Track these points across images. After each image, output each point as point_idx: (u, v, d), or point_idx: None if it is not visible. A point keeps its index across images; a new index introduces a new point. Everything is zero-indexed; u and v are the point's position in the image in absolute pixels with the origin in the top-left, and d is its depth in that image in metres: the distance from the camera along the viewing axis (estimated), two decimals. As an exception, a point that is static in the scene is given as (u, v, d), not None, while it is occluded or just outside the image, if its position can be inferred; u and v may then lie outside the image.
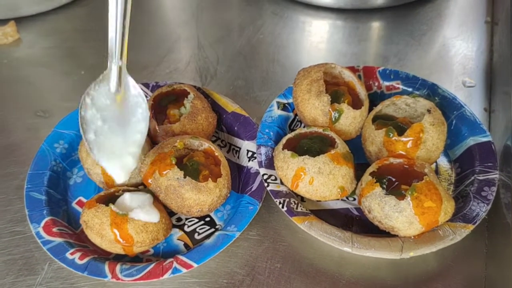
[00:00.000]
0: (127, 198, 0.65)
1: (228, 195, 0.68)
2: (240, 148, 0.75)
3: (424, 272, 0.64)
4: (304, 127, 0.74)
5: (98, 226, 0.61)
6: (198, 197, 0.64)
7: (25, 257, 0.67)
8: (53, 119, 0.82)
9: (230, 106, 0.78)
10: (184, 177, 0.64)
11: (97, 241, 0.63)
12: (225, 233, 0.64)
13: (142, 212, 0.62)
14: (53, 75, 0.94)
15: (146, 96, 0.78)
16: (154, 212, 0.64)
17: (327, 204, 0.70)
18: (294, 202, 0.66)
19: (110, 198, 0.65)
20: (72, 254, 0.62)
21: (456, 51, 0.95)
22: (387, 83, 0.80)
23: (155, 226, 0.63)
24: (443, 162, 0.74)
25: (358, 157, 0.72)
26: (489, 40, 0.97)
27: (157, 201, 0.66)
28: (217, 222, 0.69)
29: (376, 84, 0.81)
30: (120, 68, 0.63)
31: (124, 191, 0.67)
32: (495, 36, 0.97)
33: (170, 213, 0.68)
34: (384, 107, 0.73)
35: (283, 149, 0.68)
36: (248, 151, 0.73)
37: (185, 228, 0.69)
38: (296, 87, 0.74)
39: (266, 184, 0.67)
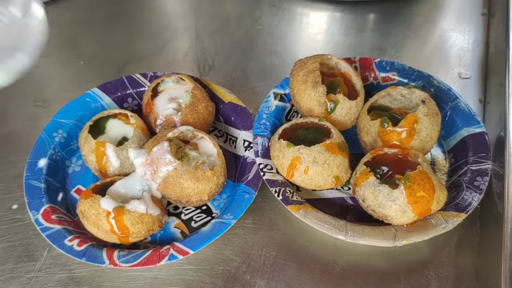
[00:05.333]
0: (120, 186, 0.66)
1: (225, 183, 0.69)
2: (236, 138, 0.76)
3: (416, 260, 0.65)
4: (300, 117, 0.75)
5: (94, 217, 0.62)
6: (197, 185, 0.65)
7: (24, 243, 0.68)
8: (52, 108, 0.82)
9: (227, 96, 0.79)
10: (182, 167, 0.64)
11: (93, 231, 0.64)
12: (221, 221, 0.65)
13: (138, 203, 0.63)
14: (52, 65, 0.95)
15: (144, 86, 0.80)
16: (150, 203, 0.64)
17: (322, 194, 0.71)
18: (290, 191, 0.67)
19: (105, 188, 0.66)
20: (70, 240, 0.63)
21: (452, 43, 0.96)
22: (383, 75, 0.81)
23: (151, 217, 0.64)
24: (437, 153, 0.75)
25: (353, 147, 0.73)
26: (485, 32, 0.98)
27: (153, 192, 0.67)
28: (214, 211, 0.70)
29: (372, 75, 0.81)
30: None
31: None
32: (491, 29, 0.97)
33: (167, 201, 0.69)
34: (379, 98, 0.73)
35: (279, 139, 0.69)
36: (244, 141, 0.74)
37: (182, 216, 0.69)
38: (293, 78, 0.75)
39: (262, 173, 0.68)
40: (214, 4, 1.09)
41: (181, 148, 0.69)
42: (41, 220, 0.65)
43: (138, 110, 0.79)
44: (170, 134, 0.68)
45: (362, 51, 0.96)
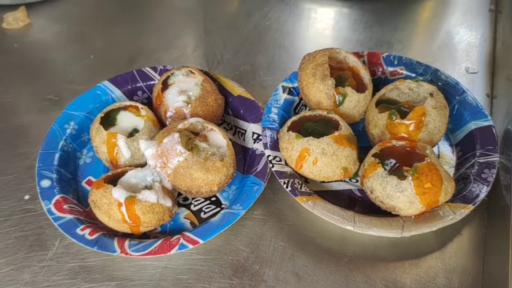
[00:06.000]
0: (131, 176, 0.67)
1: (234, 174, 0.70)
2: (245, 131, 0.77)
3: (424, 251, 0.66)
4: (308, 110, 0.75)
5: (106, 206, 0.63)
6: (207, 176, 0.65)
7: (36, 233, 0.68)
8: (63, 101, 0.83)
9: (236, 89, 0.80)
10: (192, 158, 0.65)
11: (105, 220, 0.65)
12: (231, 211, 0.66)
13: (149, 193, 0.64)
14: (63, 59, 0.96)
15: (154, 80, 0.81)
16: (161, 194, 0.65)
17: (330, 186, 0.72)
18: (298, 182, 0.68)
19: (117, 178, 0.67)
20: (82, 230, 0.64)
21: (460, 38, 0.96)
22: (391, 69, 0.81)
23: (162, 207, 0.65)
24: (445, 146, 0.75)
25: (362, 140, 0.73)
26: (493, 27, 0.98)
27: (164, 183, 0.68)
28: (223, 202, 0.71)
29: (380, 69, 0.82)
30: None
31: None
32: (499, 24, 0.98)
33: (177, 193, 0.70)
34: (387, 91, 0.74)
35: (288, 131, 0.69)
36: (253, 133, 0.75)
37: (192, 207, 0.70)
38: (301, 71, 0.75)
39: (271, 165, 0.69)
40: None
41: (191, 139, 0.70)
42: (53, 210, 0.66)
43: (148, 103, 0.80)
44: (180, 126, 0.68)
45: (370, 46, 0.96)
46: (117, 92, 0.80)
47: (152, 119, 0.73)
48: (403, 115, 0.69)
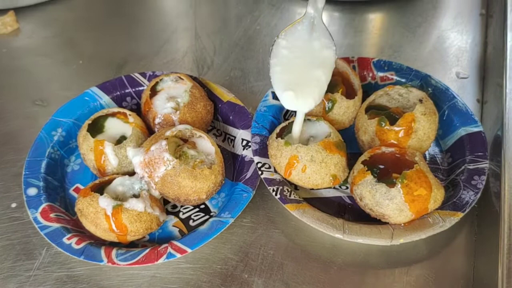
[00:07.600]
0: (119, 184, 0.66)
1: (223, 182, 0.69)
2: (235, 137, 0.76)
3: (413, 259, 0.65)
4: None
5: (92, 215, 0.62)
6: (195, 184, 0.65)
7: (23, 242, 0.68)
8: (51, 107, 0.82)
9: (225, 95, 0.79)
10: (180, 166, 0.65)
11: (92, 229, 0.64)
12: (219, 219, 0.65)
13: (136, 202, 0.63)
14: (51, 65, 0.95)
15: (143, 86, 0.80)
16: (148, 202, 0.65)
17: (319, 193, 0.71)
18: (287, 190, 0.67)
19: (104, 187, 0.66)
20: (69, 239, 0.63)
21: (450, 43, 0.96)
22: (381, 74, 0.81)
23: (149, 216, 0.64)
24: (435, 152, 0.75)
25: (351, 146, 0.73)
26: (484, 32, 0.98)
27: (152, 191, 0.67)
28: (212, 209, 0.70)
29: (371, 75, 0.82)
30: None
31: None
32: (490, 29, 0.98)
33: (166, 200, 0.70)
34: (377, 97, 0.74)
35: (277, 137, 0.69)
36: (243, 139, 0.74)
37: (180, 215, 0.70)
38: (291, 77, 0.75)
39: (260, 172, 0.68)
40: (213, 4, 1.09)
41: (180, 146, 0.69)
42: (40, 219, 0.65)
43: (137, 109, 0.80)
44: (168, 133, 0.68)
45: (361, 50, 0.96)
46: (105, 98, 0.79)
47: (140, 126, 0.72)
48: (393, 121, 0.69)
